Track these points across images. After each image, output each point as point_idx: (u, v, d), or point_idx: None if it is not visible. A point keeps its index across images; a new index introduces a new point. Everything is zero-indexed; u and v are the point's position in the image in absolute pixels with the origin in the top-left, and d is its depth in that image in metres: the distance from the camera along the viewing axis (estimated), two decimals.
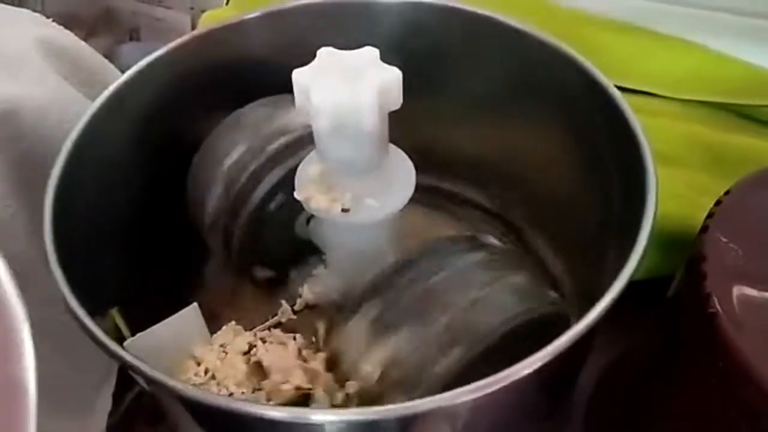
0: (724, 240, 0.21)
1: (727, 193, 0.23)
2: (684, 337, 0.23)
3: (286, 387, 0.24)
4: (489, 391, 0.18)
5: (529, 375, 0.19)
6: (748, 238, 0.21)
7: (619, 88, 0.26)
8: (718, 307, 0.20)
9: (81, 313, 0.21)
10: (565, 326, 0.23)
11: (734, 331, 0.19)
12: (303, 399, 0.24)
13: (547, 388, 0.24)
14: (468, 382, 0.18)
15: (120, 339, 0.24)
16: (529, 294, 0.24)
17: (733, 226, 0.22)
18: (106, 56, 0.34)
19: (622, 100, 0.25)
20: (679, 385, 0.24)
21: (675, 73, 0.39)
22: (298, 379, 0.24)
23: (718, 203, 0.23)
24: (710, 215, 0.22)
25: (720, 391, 0.21)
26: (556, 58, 0.27)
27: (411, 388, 0.23)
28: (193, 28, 0.46)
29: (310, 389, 0.24)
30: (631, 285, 0.21)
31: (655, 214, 0.22)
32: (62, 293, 0.21)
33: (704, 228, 0.22)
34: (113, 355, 0.20)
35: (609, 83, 0.26)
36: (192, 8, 0.47)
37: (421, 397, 0.18)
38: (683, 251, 0.24)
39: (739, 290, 0.20)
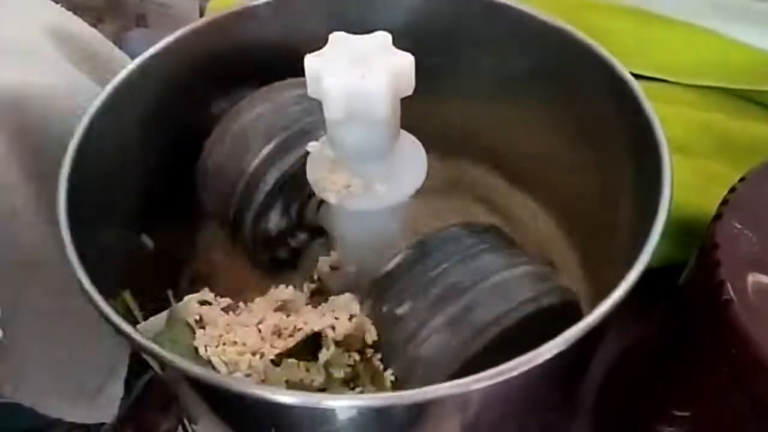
0: (739, 227, 0.21)
1: (741, 180, 0.23)
2: (696, 324, 0.23)
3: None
4: (502, 378, 0.18)
5: (543, 363, 0.19)
6: (763, 226, 0.21)
7: (632, 75, 0.26)
8: (732, 295, 0.20)
9: (97, 297, 0.21)
10: (576, 313, 0.23)
11: (747, 319, 0.19)
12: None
13: (559, 377, 0.24)
14: (480, 370, 0.18)
15: (132, 323, 0.24)
16: (541, 281, 0.24)
17: (748, 213, 0.22)
18: (113, 43, 0.34)
19: (638, 87, 0.25)
20: (690, 373, 0.24)
21: (687, 60, 0.38)
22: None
23: (732, 190, 0.23)
24: (724, 202, 0.22)
25: (732, 378, 0.21)
26: (570, 45, 0.27)
27: (425, 374, 0.23)
28: (201, 14, 0.46)
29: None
30: (643, 273, 0.21)
31: (670, 204, 0.22)
32: (77, 279, 0.21)
33: (718, 215, 0.22)
34: (128, 338, 0.20)
35: (624, 70, 0.26)
36: None
37: (432, 382, 0.19)
38: (695, 239, 0.24)
39: (753, 278, 0.20)
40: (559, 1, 0.40)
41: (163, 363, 0.20)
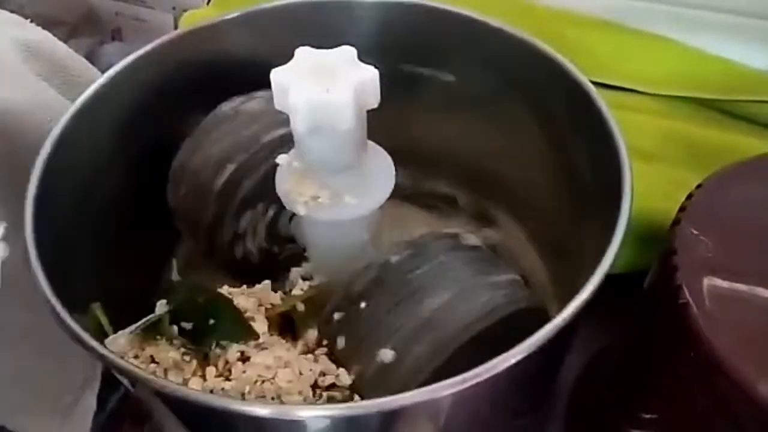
0: (695, 233, 0.22)
1: (698, 186, 0.23)
2: (658, 328, 0.23)
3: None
4: (470, 384, 0.19)
5: (509, 368, 0.19)
6: (719, 231, 0.22)
7: (599, 84, 0.26)
8: (689, 299, 0.20)
9: (63, 313, 0.21)
10: (544, 320, 0.23)
11: (704, 322, 0.20)
12: None
13: (528, 381, 0.24)
14: (448, 377, 0.19)
15: (102, 335, 0.24)
16: (509, 290, 0.25)
17: (704, 219, 0.22)
18: (88, 57, 0.34)
19: (598, 96, 0.25)
20: (655, 376, 0.24)
21: (655, 70, 0.39)
22: None
23: (689, 197, 0.23)
24: (682, 209, 0.23)
25: (692, 380, 0.21)
26: (532, 56, 0.28)
27: (390, 384, 0.23)
28: (176, 28, 0.46)
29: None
30: (612, 280, 0.21)
31: (630, 212, 0.22)
32: (42, 293, 0.21)
33: (676, 221, 0.22)
34: (96, 354, 0.20)
35: (584, 79, 0.26)
36: (174, 8, 0.47)
37: (400, 392, 0.19)
38: (661, 246, 0.25)
39: (709, 282, 0.21)
40: (531, 14, 0.41)
41: (133, 378, 0.20)
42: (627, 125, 0.25)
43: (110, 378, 0.32)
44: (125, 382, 0.22)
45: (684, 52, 0.39)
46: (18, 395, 0.30)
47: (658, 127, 0.37)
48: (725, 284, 0.21)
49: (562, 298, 0.30)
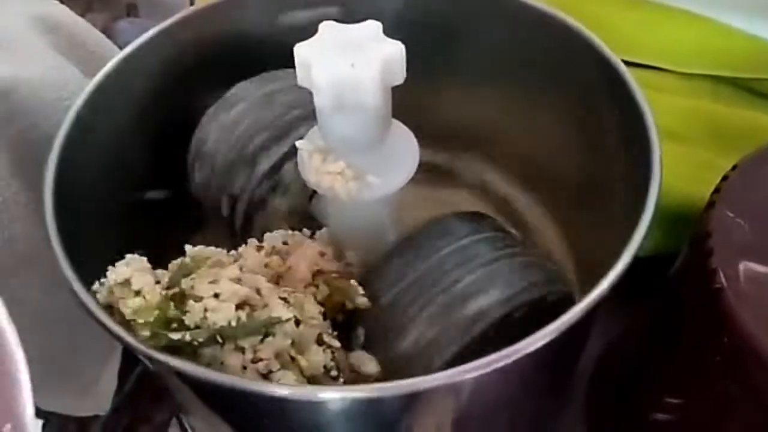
0: (731, 215, 0.21)
1: (734, 168, 0.23)
2: (688, 313, 0.23)
3: None
4: (493, 368, 0.18)
5: (533, 352, 0.19)
6: (755, 214, 0.21)
7: (624, 62, 0.26)
8: (724, 283, 0.20)
9: (84, 293, 0.21)
10: (568, 304, 0.23)
11: (740, 307, 0.19)
12: None
13: (550, 365, 0.24)
14: (472, 359, 0.19)
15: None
16: (533, 271, 0.24)
17: (740, 201, 0.22)
18: (103, 32, 0.34)
19: (628, 75, 0.25)
20: (682, 361, 0.24)
21: (680, 47, 0.38)
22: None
23: (724, 178, 0.22)
24: (717, 191, 0.22)
25: (724, 365, 0.21)
26: (561, 32, 0.27)
27: (415, 365, 0.23)
28: (192, 3, 0.45)
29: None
30: (634, 262, 0.21)
31: (659, 192, 0.22)
32: (63, 273, 0.21)
33: (710, 204, 0.22)
34: (115, 335, 0.20)
35: (615, 57, 0.26)
36: None
37: (424, 372, 0.19)
38: (686, 228, 0.24)
39: (745, 266, 0.20)
40: None
41: (150, 358, 0.20)
42: (650, 104, 0.24)
43: (130, 356, 0.32)
44: (144, 360, 0.22)
45: (710, 28, 0.38)
46: (39, 373, 0.30)
47: (683, 106, 0.36)
48: (762, 268, 0.20)
49: (584, 280, 0.30)
